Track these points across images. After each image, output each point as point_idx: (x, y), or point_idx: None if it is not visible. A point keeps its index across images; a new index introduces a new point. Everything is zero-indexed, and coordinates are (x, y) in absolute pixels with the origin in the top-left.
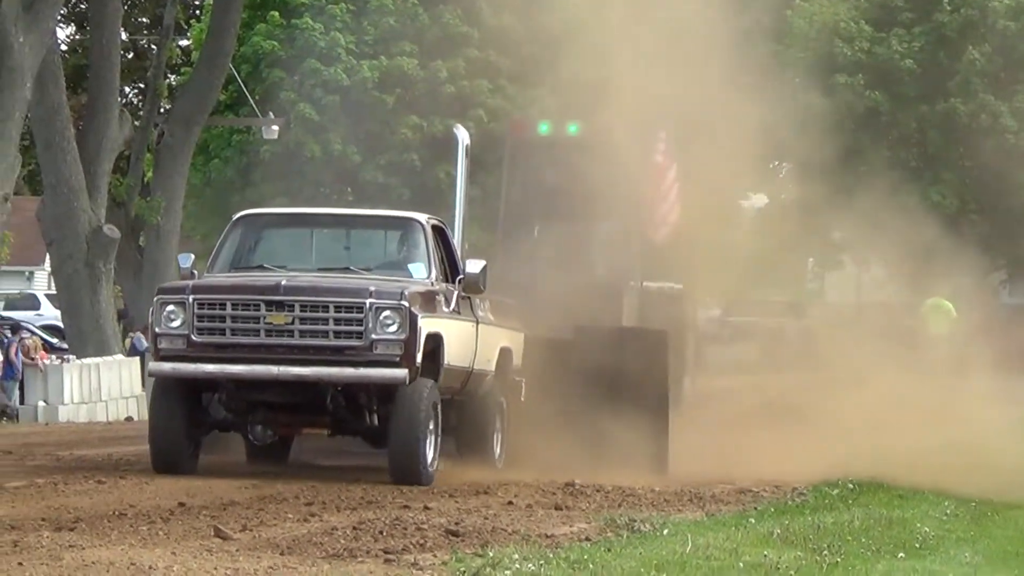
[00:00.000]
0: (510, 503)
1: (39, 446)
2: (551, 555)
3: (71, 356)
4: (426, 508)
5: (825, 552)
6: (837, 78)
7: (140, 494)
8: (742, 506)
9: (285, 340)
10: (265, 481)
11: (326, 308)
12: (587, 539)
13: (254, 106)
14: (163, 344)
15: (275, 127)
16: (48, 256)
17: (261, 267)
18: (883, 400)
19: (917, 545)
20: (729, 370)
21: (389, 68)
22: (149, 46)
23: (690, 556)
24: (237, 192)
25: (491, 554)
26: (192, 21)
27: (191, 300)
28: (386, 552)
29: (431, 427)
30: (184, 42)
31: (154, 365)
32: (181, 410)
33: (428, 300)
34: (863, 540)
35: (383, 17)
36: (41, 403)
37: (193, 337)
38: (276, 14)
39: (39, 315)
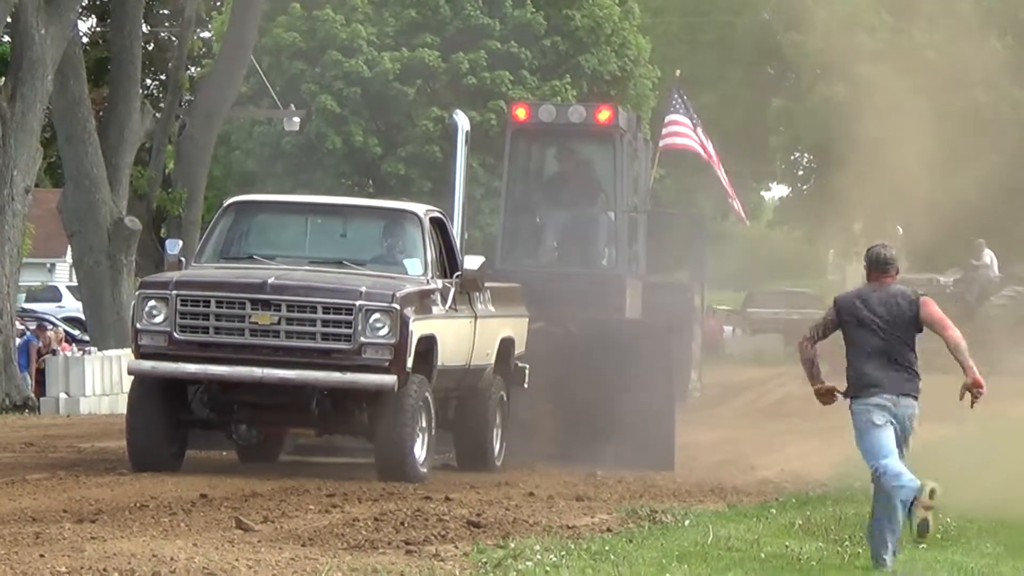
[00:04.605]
0: (531, 494)
1: (60, 438)
2: (572, 546)
3: (92, 348)
4: (447, 499)
5: (846, 543)
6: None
7: (162, 486)
8: (763, 497)
9: (270, 341)
10: (286, 473)
11: (314, 309)
12: (609, 530)
13: (275, 98)
14: (144, 341)
15: (296, 119)
16: (70, 248)
17: (251, 258)
18: None
19: (939, 536)
20: (750, 362)
21: (410, 60)
22: (170, 38)
23: (712, 547)
24: (258, 184)
25: (512, 545)
26: (213, 13)
27: (174, 296)
28: (407, 543)
29: (421, 424)
30: (205, 34)
31: (133, 363)
32: (162, 409)
33: (422, 300)
34: None
35: (404, 9)
36: (62, 395)
37: (175, 335)
38: (297, 6)
39: (60, 307)
